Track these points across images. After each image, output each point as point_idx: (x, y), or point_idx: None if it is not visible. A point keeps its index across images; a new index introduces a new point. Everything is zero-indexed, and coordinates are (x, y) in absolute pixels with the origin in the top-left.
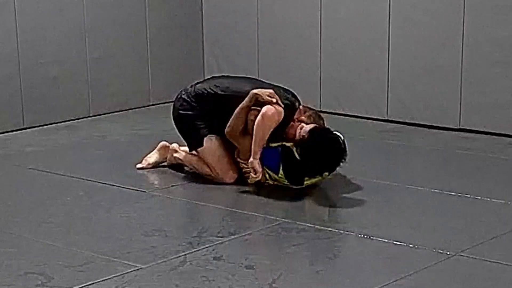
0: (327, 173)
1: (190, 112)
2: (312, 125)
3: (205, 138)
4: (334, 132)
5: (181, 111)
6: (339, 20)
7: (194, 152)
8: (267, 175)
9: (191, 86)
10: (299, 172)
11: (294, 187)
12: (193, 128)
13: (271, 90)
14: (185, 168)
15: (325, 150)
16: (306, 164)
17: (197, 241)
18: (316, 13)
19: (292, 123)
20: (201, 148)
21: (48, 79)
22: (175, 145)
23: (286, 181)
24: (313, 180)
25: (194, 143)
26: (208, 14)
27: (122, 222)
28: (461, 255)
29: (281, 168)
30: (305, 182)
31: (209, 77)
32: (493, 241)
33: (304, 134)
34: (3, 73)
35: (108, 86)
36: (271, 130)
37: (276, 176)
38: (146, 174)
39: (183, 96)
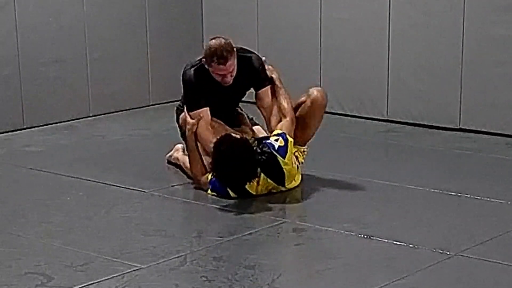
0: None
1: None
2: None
3: None
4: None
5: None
6: (339, 20)
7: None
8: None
9: None
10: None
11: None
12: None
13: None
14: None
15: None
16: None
17: (197, 241)
18: (316, 13)
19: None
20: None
21: (48, 79)
22: (179, 146)
23: (233, 193)
24: (256, 186)
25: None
26: (208, 14)
27: (122, 222)
28: (461, 255)
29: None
30: (249, 190)
31: None
32: (493, 241)
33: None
34: (3, 73)
35: (108, 86)
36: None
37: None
38: (146, 174)
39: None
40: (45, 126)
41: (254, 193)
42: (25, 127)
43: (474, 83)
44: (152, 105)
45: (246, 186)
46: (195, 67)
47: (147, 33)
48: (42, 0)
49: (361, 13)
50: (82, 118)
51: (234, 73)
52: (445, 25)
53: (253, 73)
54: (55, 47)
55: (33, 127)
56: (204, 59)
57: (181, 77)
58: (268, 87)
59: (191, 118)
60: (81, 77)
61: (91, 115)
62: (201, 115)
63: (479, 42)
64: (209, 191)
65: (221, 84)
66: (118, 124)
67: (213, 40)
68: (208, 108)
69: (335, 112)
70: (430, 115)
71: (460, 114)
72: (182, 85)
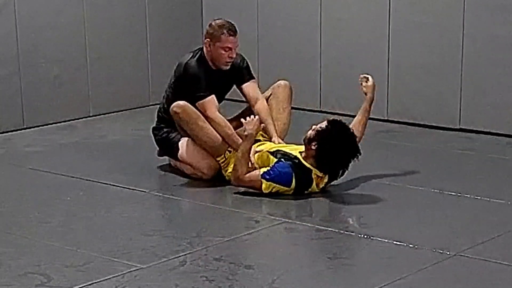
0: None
1: (160, 125)
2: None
3: (178, 144)
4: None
5: (153, 127)
6: (339, 20)
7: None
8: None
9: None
10: (308, 178)
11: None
12: (166, 139)
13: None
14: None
15: (344, 142)
16: (324, 158)
17: (197, 241)
18: (316, 13)
19: None
20: (178, 154)
21: (48, 79)
22: None
23: (292, 191)
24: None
25: (172, 152)
26: (208, 14)
27: (122, 222)
28: (461, 255)
29: (293, 181)
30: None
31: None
32: (493, 241)
33: (315, 131)
34: (3, 73)
35: (108, 86)
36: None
37: (285, 189)
38: (146, 174)
39: (157, 112)
40: (45, 126)
41: (316, 188)
42: (25, 127)
43: (474, 83)
44: (152, 105)
45: (313, 176)
46: (196, 57)
47: (147, 33)
48: (42, 0)
49: (361, 13)
50: (82, 118)
51: (235, 56)
52: (445, 25)
53: (240, 69)
54: (55, 47)
55: (33, 127)
56: (209, 39)
57: (181, 71)
58: (254, 82)
59: (201, 107)
60: (81, 77)
61: (91, 115)
62: (212, 101)
63: (479, 42)
64: (263, 185)
65: (217, 73)
66: (118, 124)
67: (216, 20)
68: (214, 95)
69: (336, 112)
70: (430, 115)
71: (460, 114)
72: (185, 78)
